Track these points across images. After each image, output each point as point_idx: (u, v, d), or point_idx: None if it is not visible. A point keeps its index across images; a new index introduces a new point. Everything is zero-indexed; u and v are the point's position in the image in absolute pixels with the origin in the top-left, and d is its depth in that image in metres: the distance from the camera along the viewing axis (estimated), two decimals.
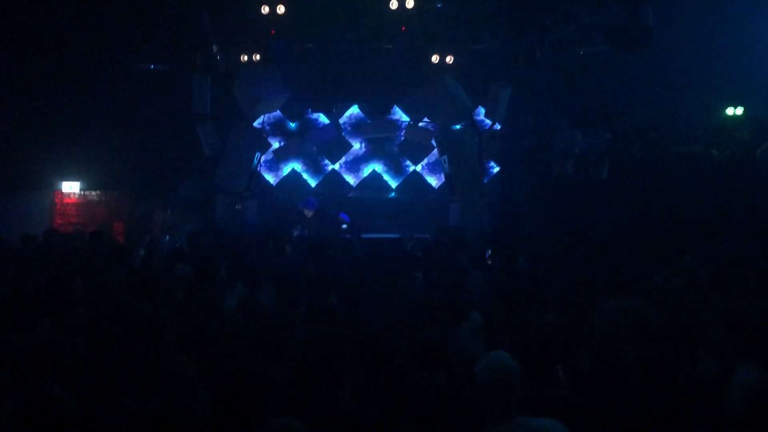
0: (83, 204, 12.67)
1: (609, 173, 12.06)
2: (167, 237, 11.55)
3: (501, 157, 12.44)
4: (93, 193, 12.75)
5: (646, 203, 11.31)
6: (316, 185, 13.70)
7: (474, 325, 5.25)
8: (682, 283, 6.36)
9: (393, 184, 13.80)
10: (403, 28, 11.15)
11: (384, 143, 13.65)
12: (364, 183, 13.76)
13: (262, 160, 11.71)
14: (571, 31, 11.14)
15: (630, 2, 9.86)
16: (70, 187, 12.62)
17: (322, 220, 11.84)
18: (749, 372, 3.73)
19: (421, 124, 12.51)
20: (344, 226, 11.79)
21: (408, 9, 10.58)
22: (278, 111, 13.04)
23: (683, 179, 11.29)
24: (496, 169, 13.39)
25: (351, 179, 13.78)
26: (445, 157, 12.12)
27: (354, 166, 13.81)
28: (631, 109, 12.36)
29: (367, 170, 13.82)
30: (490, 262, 8.18)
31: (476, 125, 12.30)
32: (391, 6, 10.54)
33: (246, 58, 11.91)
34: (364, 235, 11.45)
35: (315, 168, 13.81)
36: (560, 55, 11.49)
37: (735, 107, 11.51)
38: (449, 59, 11.64)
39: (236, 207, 12.63)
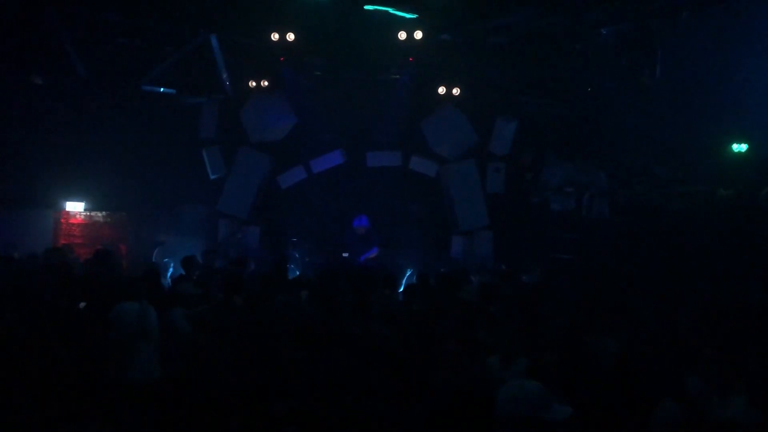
0: (88, 224, 12.60)
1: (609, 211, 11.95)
2: (166, 260, 11.48)
3: (504, 190, 12.29)
4: (99, 213, 12.70)
5: (647, 242, 11.14)
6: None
7: None
8: None
9: None
10: (411, 59, 11.25)
11: None
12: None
13: None
14: (579, 68, 11.18)
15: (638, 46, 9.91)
16: (74, 207, 12.57)
17: (365, 241, 11.71)
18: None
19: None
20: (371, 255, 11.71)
21: (416, 40, 10.63)
22: None
23: (687, 219, 11.14)
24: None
25: None
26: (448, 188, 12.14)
27: None
28: (634, 146, 12.28)
29: None
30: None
31: (481, 158, 12.25)
32: (399, 37, 10.61)
33: (254, 84, 12.04)
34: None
35: None
36: (568, 90, 11.51)
37: (740, 144, 11.42)
38: (456, 91, 11.70)
39: (235, 233, 12.51)
